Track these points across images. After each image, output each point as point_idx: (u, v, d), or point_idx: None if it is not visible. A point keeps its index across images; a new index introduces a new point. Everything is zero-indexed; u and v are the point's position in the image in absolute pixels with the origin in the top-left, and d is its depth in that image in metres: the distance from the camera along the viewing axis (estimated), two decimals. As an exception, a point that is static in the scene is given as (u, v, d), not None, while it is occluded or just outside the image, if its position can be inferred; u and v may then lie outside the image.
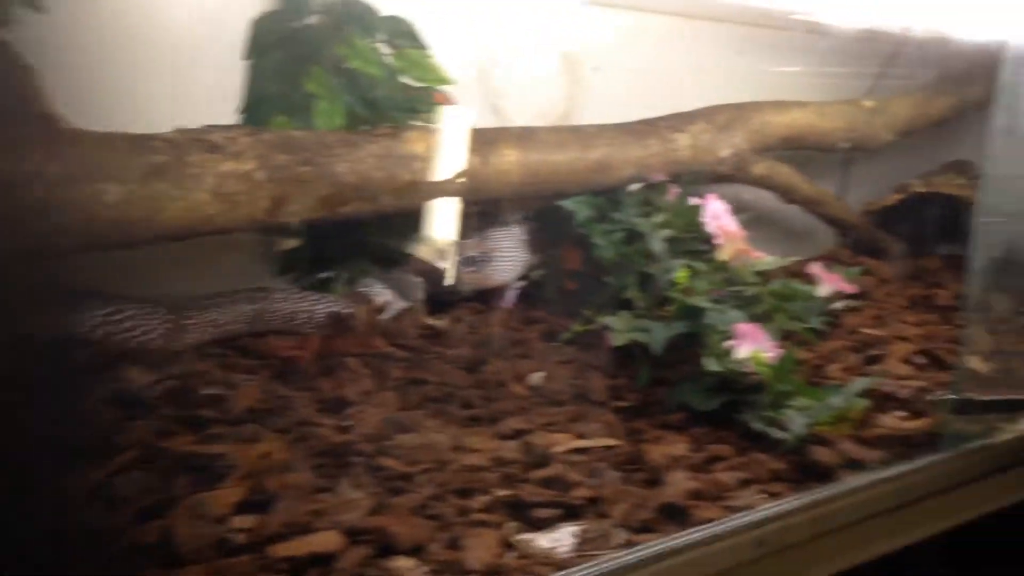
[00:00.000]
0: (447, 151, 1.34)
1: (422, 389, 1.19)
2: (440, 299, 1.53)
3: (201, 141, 1.10)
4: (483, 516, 0.87)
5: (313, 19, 1.39)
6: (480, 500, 0.90)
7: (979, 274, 1.24)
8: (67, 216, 0.96)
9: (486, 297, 1.57)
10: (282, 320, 1.34)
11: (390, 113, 1.40)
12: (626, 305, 1.37)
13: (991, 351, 1.35)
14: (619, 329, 1.29)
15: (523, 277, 1.58)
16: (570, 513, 0.90)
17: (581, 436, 1.07)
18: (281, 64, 1.37)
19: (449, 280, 1.46)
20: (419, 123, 1.36)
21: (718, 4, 1.86)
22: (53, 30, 1.09)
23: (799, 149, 1.91)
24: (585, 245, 1.56)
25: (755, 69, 1.98)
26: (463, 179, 1.35)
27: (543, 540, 0.85)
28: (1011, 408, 1.28)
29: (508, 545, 0.83)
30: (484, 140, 1.39)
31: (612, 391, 1.24)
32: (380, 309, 1.43)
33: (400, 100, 1.41)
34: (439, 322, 1.43)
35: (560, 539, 0.86)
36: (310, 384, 1.15)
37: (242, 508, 0.81)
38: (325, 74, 1.36)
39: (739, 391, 1.13)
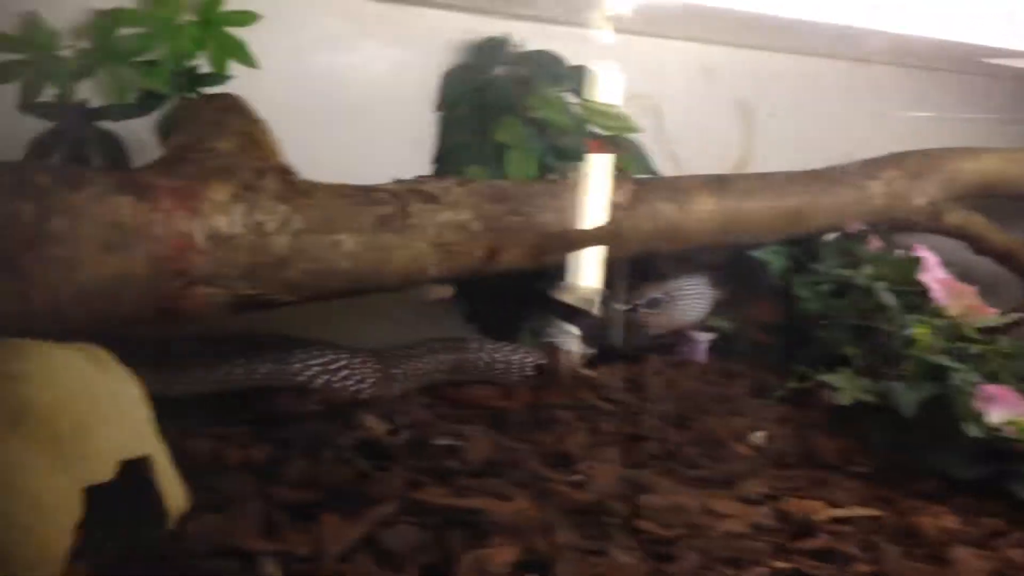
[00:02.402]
0: (644, 199, 1.29)
1: (642, 445, 1.12)
2: (626, 349, 1.48)
3: (418, 192, 1.08)
4: (767, 589, 0.79)
5: (501, 70, 1.38)
6: (756, 572, 0.82)
7: None
8: (311, 266, 0.94)
9: (673, 347, 1.51)
10: (481, 370, 1.31)
11: (580, 163, 1.37)
12: (841, 361, 1.28)
13: None
14: (843, 387, 1.21)
15: (712, 329, 1.51)
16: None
17: (833, 504, 0.99)
18: (471, 115, 1.36)
19: (635, 327, 1.41)
20: (616, 172, 1.32)
21: (896, 47, 1.78)
22: (262, 86, 1.10)
23: (989, 198, 1.80)
24: (780, 297, 1.49)
25: (935, 114, 1.89)
26: (661, 229, 1.30)
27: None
28: None
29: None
30: (679, 188, 1.34)
31: (842, 454, 1.15)
32: (576, 359, 1.38)
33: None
34: (636, 373, 1.37)
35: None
36: (528, 436, 1.10)
37: (522, 568, 0.75)
38: (516, 124, 1.34)
39: (1007, 459, 1.03)
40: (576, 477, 0.99)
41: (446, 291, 1.38)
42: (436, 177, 1.13)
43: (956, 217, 1.68)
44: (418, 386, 1.25)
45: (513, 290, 1.39)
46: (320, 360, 1.15)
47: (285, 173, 0.96)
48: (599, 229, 1.23)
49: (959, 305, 1.29)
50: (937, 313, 1.26)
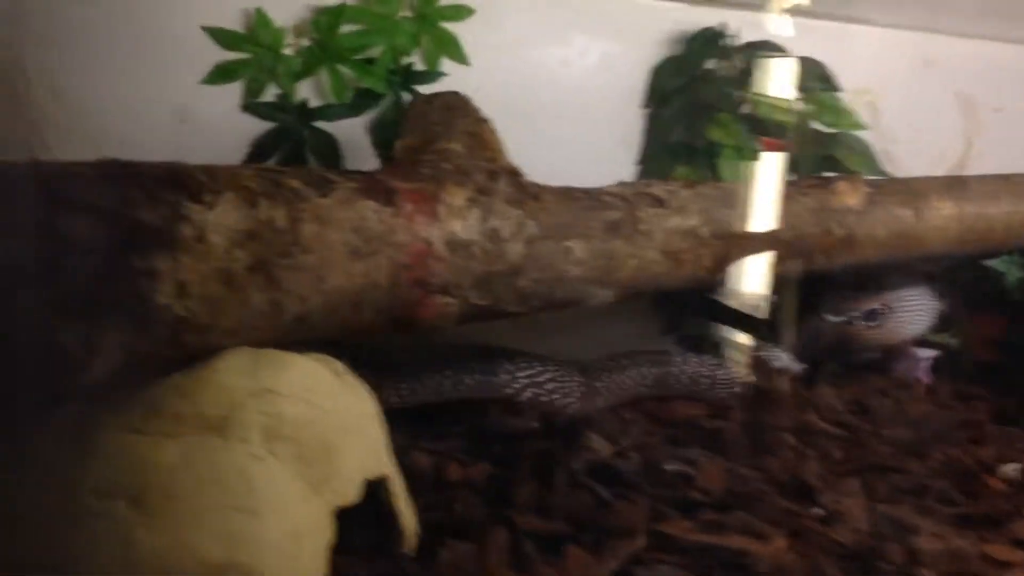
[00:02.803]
0: (878, 203, 1.18)
1: (885, 477, 1.01)
2: (839, 365, 1.37)
3: (647, 195, 1.00)
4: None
5: (716, 64, 1.29)
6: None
7: None
8: (543, 274, 0.89)
9: (889, 365, 1.38)
10: (685, 385, 1.23)
11: (801, 163, 1.27)
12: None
13: None
14: (1112, 414, 1.06)
15: (936, 345, 1.37)
16: None
17: None
18: (683, 112, 1.28)
19: (851, 341, 1.30)
20: (850, 173, 1.21)
21: None
22: (469, 82, 1.05)
23: None
24: (1012, 311, 1.35)
25: None
26: (897, 235, 1.18)
27: None
28: None
29: None
30: (912, 191, 1.22)
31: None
32: (785, 376, 1.27)
33: (812, 148, 1.28)
34: (857, 394, 1.26)
35: None
36: (755, 462, 1.01)
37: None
38: (731, 120, 1.24)
39: None
40: (824, 512, 0.90)
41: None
42: (661, 180, 1.05)
43: None
44: (621, 401, 1.18)
45: (714, 303, 1.30)
46: (527, 372, 1.10)
47: (515, 175, 0.90)
48: (832, 236, 1.13)
49: None
50: None
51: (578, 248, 0.91)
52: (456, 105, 0.93)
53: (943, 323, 1.39)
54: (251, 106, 1.00)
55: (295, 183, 0.72)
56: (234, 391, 0.68)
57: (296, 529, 0.66)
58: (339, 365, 0.78)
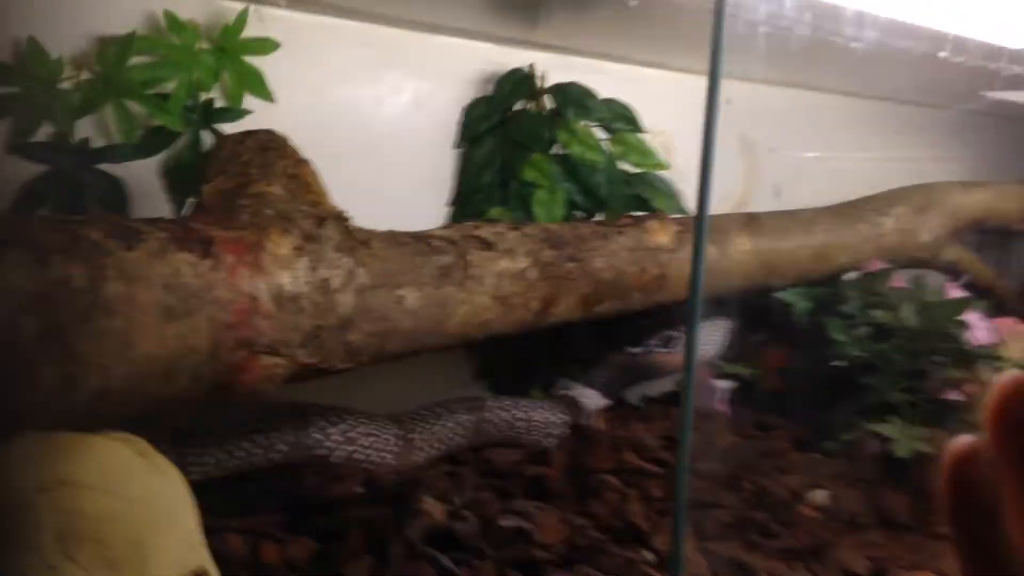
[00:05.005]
0: (687, 240, 1.21)
1: (707, 513, 1.03)
2: (644, 396, 1.40)
3: (474, 238, 0.97)
4: None
5: (526, 104, 1.28)
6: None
7: None
8: (374, 326, 0.82)
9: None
10: (502, 431, 1.20)
11: (611, 202, 1.29)
12: (887, 409, 1.22)
13: None
14: (899, 438, 1.15)
15: (733, 376, 1.44)
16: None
17: (942, 574, 0.91)
18: (495, 152, 1.26)
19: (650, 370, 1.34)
20: (657, 211, 1.24)
21: (893, 85, 1.77)
22: (275, 120, 0.97)
23: (979, 231, 1.81)
24: (804, 340, 1.43)
25: (922, 152, 1.90)
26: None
27: None
28: None
29: None
30: (715, 228, 1.27)
31: (915, 512, 1.08)
32: (596, 414, 1.28)
33: (621, 187, 1.30)
34: (668, 429, 1.28)
35: None
36: (581, 507, 1.00)
37: None
38: (544, 161, 1.24)
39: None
40: (657, 556, 0.89)
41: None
42: (489, 221, 1.02)
43: (952, 253, 1.68)
44: (439, 453, 1.13)
45: (528, 343, 1.29)
46: (340, 428, 1.02)
47: (343, 220, 0.83)
48: (646, 275, 1.14)
49: (1018, 347, 1.25)
50: (995, 355, 1.21)
51: (411, 296, 0.86)
52: (272, 145, 0.85)
53: (738, 352, 1.46)
54: (19, 147, 0.86)
55: (95, 235, 0.61)
56: (19, 488, 0.57)
57: (107, 649, 0.55)
58: (144, 444, 0.67)
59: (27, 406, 0.58)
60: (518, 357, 1.32)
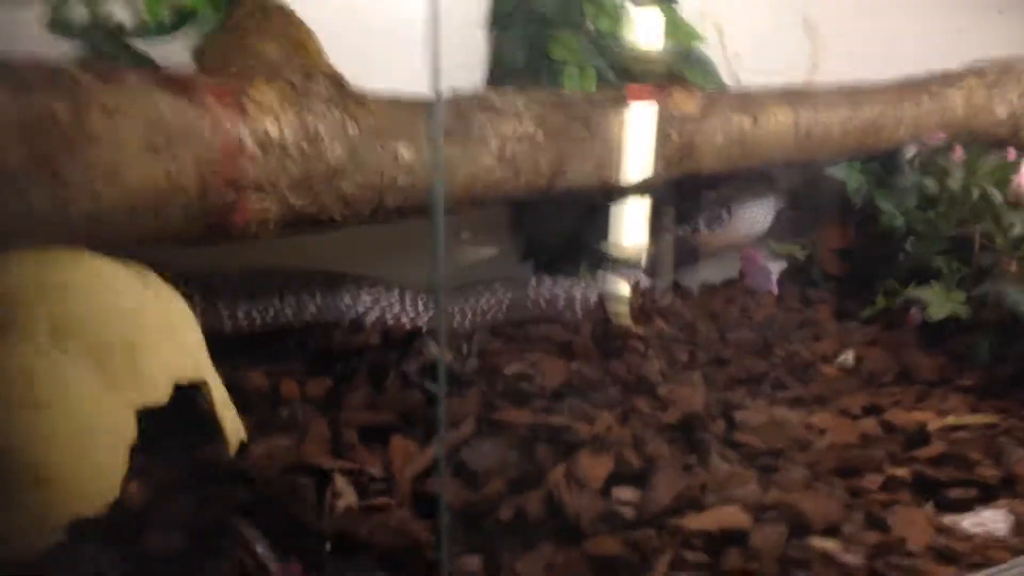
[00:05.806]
0: (715, 111, 1.20)
1: (724, 370, 1.04)
2: (693, 278, 1.40)
3: (480, 101, 1.00)
4: (887, 496, 0.71)
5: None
6: (872, 479, 0.74)
7: None
8: (368, 179, 0.87)
9: (743, 278, 1.42)
10: (541, 308, 1.23)
11: (642, 74, 1.28)
12: (931, 277, 1.19)
13: None
14: (935, 302, 1.12)
15: (787, 257, 1.42)
16: (988, 494, 0.73)
17: (943, 413, 0.90)
18: (525, 31, 1.27)
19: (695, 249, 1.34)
20: (685, 81, 1.23)
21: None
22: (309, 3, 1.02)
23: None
24: (858, 218, 1.40)
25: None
26: (734, 142, 1.21)
27: (966, 522, 0.69)
28: None
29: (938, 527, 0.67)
30: (752, 99, 1.25)
31: (941, 370, 1.06)
32: (645, 290, 1.30)
33: (651, 59, 1.29)
34: (707, 303, 1.29)
35: (989, 521, 0.69)
36: (601, 365, 1.02)
37: (616, 480, 0.68)
38: (572, 38, 1.25)
39: None
40: (659, 400, 0.92)
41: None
42: (497, 88, 1.05)
43: (1038, 130, 1.57)
44: (477, 325, 1.18)
45: (569, 224, 1.31)
46: (370, 294, 1.09)
47: (336, 79, 0.88)
48: (671, 143, 1.14)
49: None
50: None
51: (406, 152, 0.90)
52: (271, 7, 0.91)
53: (793, 233, 1.44)
54: (56, 24, 0.95)
55: (74, 70, 0.69)
56: (19, 290, 0.65)
57: (89, 424, 0.63)
58: (142, 267, 0.76)
59: (23, 225, 0.67)
60: (563, 238, 1.35)
